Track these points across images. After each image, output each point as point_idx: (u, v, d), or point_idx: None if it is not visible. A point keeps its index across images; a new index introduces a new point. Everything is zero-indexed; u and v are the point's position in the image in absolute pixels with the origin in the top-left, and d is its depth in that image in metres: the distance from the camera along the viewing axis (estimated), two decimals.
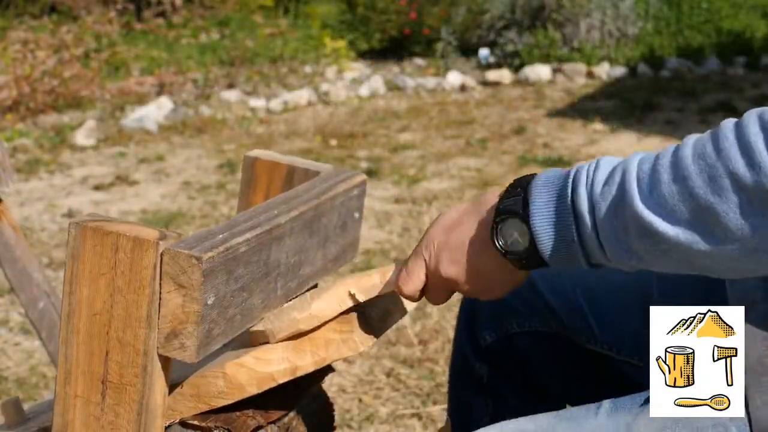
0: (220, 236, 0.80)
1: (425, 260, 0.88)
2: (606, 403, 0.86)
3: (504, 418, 1.14)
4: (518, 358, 1.18)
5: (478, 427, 0.92)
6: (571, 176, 0.78)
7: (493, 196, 0.86)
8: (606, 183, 0.75)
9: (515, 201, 0.81)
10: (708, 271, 0.75)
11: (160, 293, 0.77)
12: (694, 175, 0.69)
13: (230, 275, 0.81)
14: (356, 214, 1.06)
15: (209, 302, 0.78)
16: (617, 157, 0.79)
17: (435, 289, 0.90)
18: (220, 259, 0.78)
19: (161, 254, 0.76)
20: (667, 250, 0.72)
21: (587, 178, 0.77)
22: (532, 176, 0.82)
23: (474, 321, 1.21)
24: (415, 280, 0.89)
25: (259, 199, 1.07)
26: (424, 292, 0.91)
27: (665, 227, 0.71)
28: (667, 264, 0.75)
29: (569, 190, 0.77)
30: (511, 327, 1.17)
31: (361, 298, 0.91)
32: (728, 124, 0.71)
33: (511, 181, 0.84)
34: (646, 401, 0.81)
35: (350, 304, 0.91)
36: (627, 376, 1.08)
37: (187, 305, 0.77)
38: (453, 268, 0.86)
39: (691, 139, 0.73)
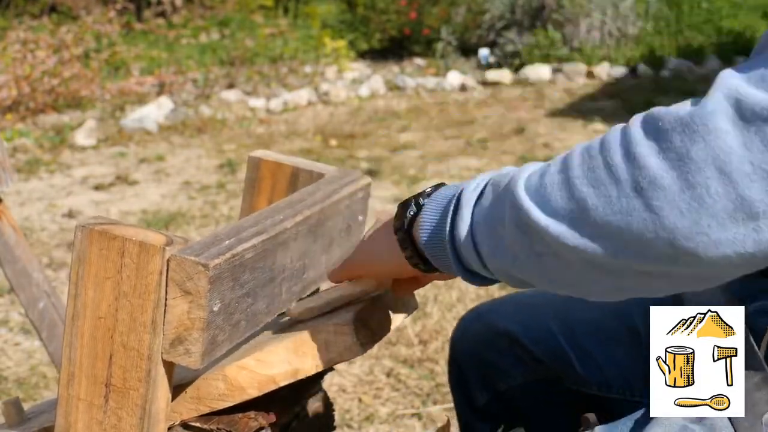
0: (227, 242, 0.80)
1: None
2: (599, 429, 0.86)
3: None
4: (516, 411, 1.18)
5: None
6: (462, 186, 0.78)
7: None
8: (496, 183, 0.75)
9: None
10: (575, 289, 0.71)
11: (166, 299, 0.77)
12: (575, 166, 0.68)
13: (236, 281, 0.80)
14: (360, 217, 1.06)
15: (215, 309, 0.78)
16: None
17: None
18: (227, 266, 0.78)
19: (168, 260, 0.76)
20: (540, 253, 0.69)
21: (475, 182, 0.77)
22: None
23: (465, 383, 1.22)
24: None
25: (262, 201, 1.07)
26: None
27: (538, 215, 0.67)
28: (539, 272, 0.71)
29: (455, 196, 0.77)
30: (498, 385, 1.18)
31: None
32: (618, 125, 0.70)
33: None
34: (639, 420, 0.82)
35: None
36: (621, 415, 1.00)
37: (193, 312, 0.77)
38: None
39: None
